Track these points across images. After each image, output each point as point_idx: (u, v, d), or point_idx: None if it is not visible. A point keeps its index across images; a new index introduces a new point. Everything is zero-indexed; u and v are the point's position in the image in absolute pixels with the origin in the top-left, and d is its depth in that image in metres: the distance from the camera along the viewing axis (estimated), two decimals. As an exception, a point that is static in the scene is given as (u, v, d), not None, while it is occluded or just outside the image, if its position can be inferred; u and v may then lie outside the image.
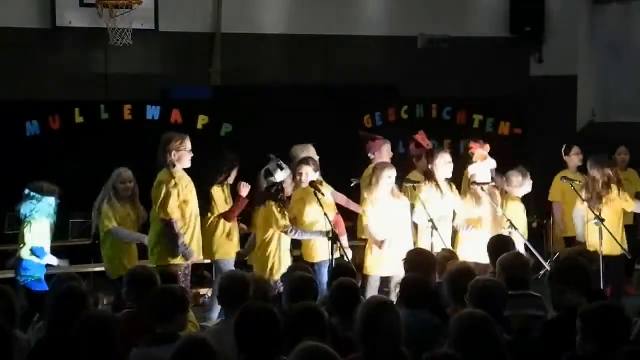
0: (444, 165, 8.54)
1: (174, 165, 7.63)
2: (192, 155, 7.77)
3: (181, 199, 7.60)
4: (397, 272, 8.03)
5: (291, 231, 7.99)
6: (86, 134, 10.57)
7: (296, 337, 4.19)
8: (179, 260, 7.60)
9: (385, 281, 8.36)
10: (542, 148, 10.40)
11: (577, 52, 13.36)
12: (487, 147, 8.93)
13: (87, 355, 4.64)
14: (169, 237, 7.58)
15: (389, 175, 8.27)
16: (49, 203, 8.00)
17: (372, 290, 8.21)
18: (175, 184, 7.56)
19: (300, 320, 4.60)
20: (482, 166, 8.66)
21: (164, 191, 7.53)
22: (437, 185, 8.46)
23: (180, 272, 7.48)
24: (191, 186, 7.76)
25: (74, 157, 10.40)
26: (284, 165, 8.03)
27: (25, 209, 7.99)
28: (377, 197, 8.29)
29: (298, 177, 8.31)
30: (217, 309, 7.97)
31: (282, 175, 8.00)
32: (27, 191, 8.02)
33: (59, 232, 9.64)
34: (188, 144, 7.72)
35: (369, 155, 9.34)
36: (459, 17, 13.20)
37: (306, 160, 8.43)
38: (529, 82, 13.64)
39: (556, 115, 13.01)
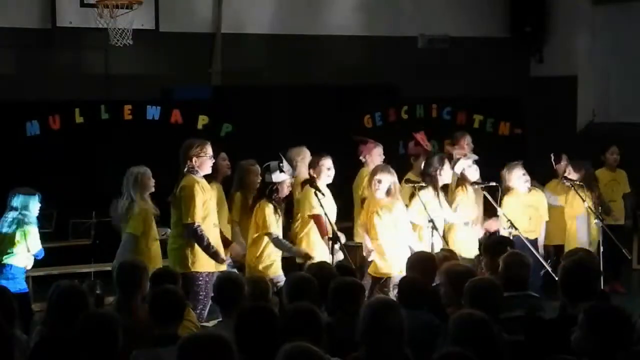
0: (447, 171, 8.58)
1: (196, 172, 7.60)
2: (214, 161, 7.78)
3: (205, 205, 7.55)
4: (394, 273, 8.07)
5: (274, 238, 7.88)
6: (86, 134, 10.57)
7: (291, 337, 4.18)
8: (198, 268, 7.54)
9: (383, 281, 8.36)
10: (542, 148, 10.39)
11: (577, 52, 13.36)
12: (463, 144, 9.39)
13: (88, 355, 4.65)
14: (198, 242, 7.50)
15: (379, 179, 8.23)
16: (34, 206, 8.02)
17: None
18: (200, 189, 7.52)
19: (295, 321, 4.60)
20: (467, 161, 8.77)
21: (189, 196, 7.48)
22: (436, 191, 8.47)
23: (202, 280, 7.49)
24: (212, 194, 7.74)
25: (74, 157, 10.40)
26: (284, 168, 7.98)
27: (13, 220, 7.99)
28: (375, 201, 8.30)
29: (321, 170, 8.28)
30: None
31: (279, 177, 7.94)
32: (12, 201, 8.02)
33: (59, 232, 9.67)
34: (209, 150, 7.67)
35: (361, 158, 9.35)
36: (459, 17, 13.20)
37: (325, 155, 8.40)
38: (529, 82, 13.65)
39: (556, 115, 13.02)
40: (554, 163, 9.88)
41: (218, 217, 7.92)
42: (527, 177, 8.82)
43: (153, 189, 7.87)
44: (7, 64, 10.90)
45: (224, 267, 7.65)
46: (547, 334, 5.10)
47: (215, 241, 7.70)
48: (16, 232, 8.00)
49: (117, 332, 4.70)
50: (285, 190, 8.05)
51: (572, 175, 9.13)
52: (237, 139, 10.86)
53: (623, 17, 13.02)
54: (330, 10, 12.64)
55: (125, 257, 7.74)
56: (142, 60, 11.56)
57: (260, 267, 7.88)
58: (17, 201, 8.03)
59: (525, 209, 8.83)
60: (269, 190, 7.92)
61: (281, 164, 7.94)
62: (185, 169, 7.58)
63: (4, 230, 8.03)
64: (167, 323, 5.08)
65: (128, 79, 11.38)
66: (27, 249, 8.08)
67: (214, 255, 7.53)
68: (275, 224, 7.90)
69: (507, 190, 8.81)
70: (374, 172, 8.35)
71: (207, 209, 7.60)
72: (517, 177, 8.80)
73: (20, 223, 8.01)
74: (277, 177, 7.92)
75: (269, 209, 7.88)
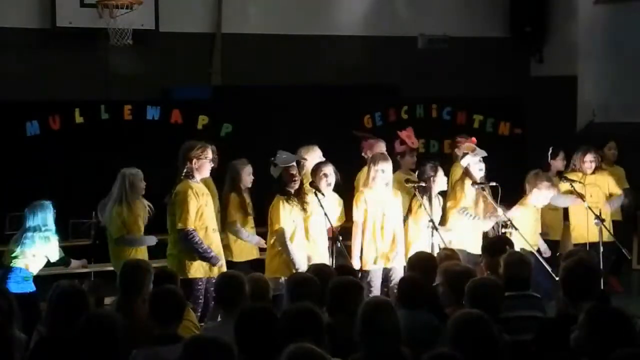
0: (441, 178, 8.53)
1: (193, 175, 7.57)
2: (213, 165, 7.76)
3: (199, 210, 7.52)
4: (395, 265, 8.08)
5: (281, 241, 7.83)
6: (86, 134, 10.56)
7: (292, 338, 4.19)
8: (196, 274, 7.53)
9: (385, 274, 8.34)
10: (542, 148, 10.39)
11: (577, 52, 13.36)
12: (474, 139, 9.14)
13: (88, 355, 4.65)
14: (192, 248, 7.45)
15: (382, 169, 8.21)
16: (51, 217, 8.00)
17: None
18: (194, 195, 7.47)
19: (296, 321, 4.61)
20: (473, 158, 8.70)
21: (182, 201, 7.44)
22: (430, 199, 8.41)
23: (200, 285, 7.48)
24: (209, 199, 7.69)
25: (74, 157, 10.39)
26: (277, 161, 7.96)
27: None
28: (369, 189, 8.28)
29: (320, 178, 8.17)
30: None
31: (276, 172, 7.96)
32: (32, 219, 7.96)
33: (58, 232, 9.65)
34: (209, 153, 7.64)
35: (363, 154, 9.35)
36: (459, 17, 13.21)
37: (326, 162, 8.35)
38: (529, 82, 13.65)
39: (556, 115, 13.01)
40: (549, 157, 9.89)
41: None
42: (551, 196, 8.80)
43: (143, 192, 7.92)
44: (7, 64, 10.90)
45: (224, 270, 7.57)
46: (547, 334, 5.10)
47: (216, 247, 7.69)
48: (43, 249, 7.96)
49: (117, 332, 4.70)
50: (288, 179, 7.96)
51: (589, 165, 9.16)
52: (237, 139, 10.86)
53: (623, 17, 13.01)
54: (330, 11, 12.64)
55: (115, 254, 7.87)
56: (142, 60, 11.55)
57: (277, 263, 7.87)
58: (36, 220, 7.93)
59: (538, 222, 8.80)
60: (273, 186, 7.93)
61: (273, 159, 7.95)
62: (184, 171, 7.56)
63: (32, 249, 7.94)
64: (167, 323, 5.08)
65: (128, 79, 11.38)
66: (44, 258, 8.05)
67: (209, 259, 7.45)
68: (284, 220, 7.84)
69: (526, 194, 8.77)
70: (376, 162, 8.26)
71: (204, 215, 7.55)
72: (542, 193, 8.72)
73: (46, 240, 7.96)
74: (273, 172, 7.95)
75: (281, 203, 7.83)
